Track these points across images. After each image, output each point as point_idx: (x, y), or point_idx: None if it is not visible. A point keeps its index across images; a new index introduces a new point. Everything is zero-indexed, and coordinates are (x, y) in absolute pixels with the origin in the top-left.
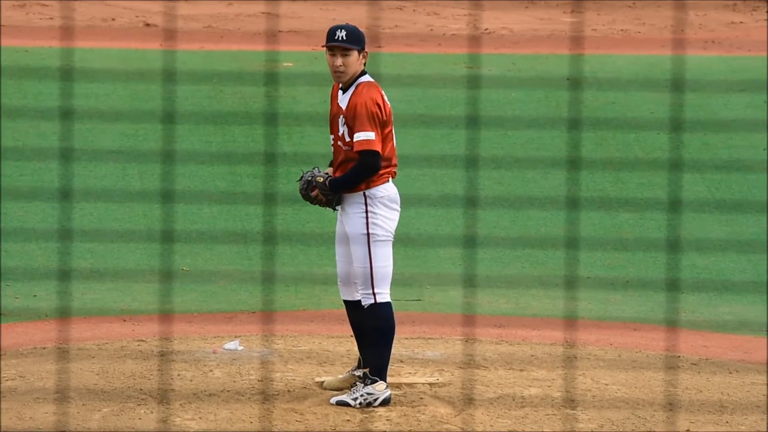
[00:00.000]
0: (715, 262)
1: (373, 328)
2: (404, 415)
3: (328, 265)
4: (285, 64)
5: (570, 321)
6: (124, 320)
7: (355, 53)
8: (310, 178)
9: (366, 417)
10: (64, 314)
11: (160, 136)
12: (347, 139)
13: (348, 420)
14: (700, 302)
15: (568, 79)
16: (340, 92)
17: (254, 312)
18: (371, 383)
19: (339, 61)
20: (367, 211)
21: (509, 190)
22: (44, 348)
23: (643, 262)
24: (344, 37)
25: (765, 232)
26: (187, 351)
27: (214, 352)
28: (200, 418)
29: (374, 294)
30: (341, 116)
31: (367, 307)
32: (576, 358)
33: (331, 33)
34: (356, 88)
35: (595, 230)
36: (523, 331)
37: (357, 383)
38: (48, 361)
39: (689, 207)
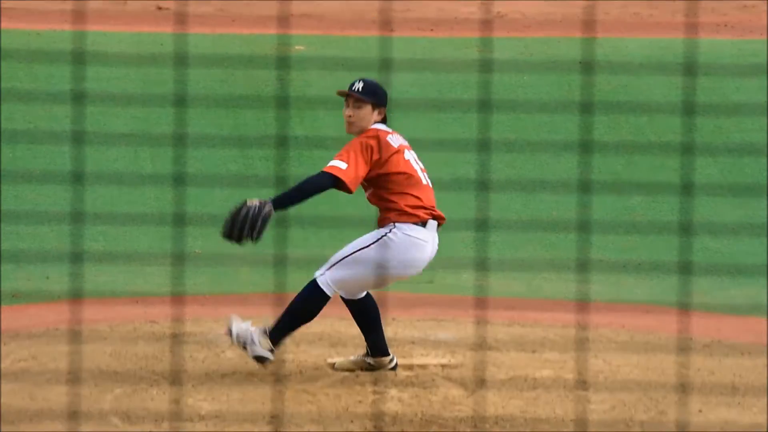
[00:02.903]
0: (728, 245)
1: (297, 300)
2: (416, 396)
3: (339, 247)
4: (297, 47)
5: (582, 303)
6: (137, 302)
7: (368, 107)
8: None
9: (378, 398)
10: (76, 296)
11: (172, 119)
12: (365, 184)
13: (360, 401)
14: (712, 285)
15: (580, 62)
16: None
17: (266, 294)
18: (261, 336)
19: (349, 111)
20: (387, 234)
21: (521, 174)
22: (57, 329)
23: (656, 245)
24: (360, 89)
25: None
26: (199, 332)
27: (227, 334)
28: (212, 399)
29: (326, 271)
30: None
31: (311, 281)
32: (588, 339)
33: (351, 83)
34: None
35: (608, 213)
36: (535, 313)
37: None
38: (60, 342)
39: (701, 190)
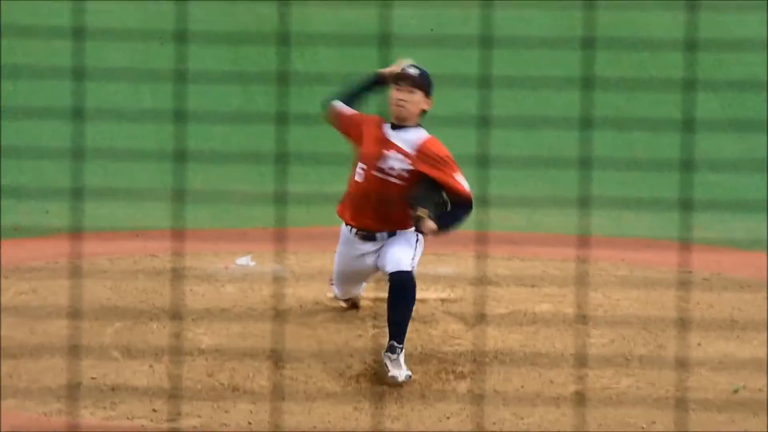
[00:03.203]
0: (729, 179)
1: (404, 300)
2: (416, 330)
3: (339, 183)
4: None
5: (582, 238)
6: (137, 236)
7: (420, 94)
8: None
9: (378, 332)
10: (76, 230)
11: (173, 54)
12: (405, 174)
13: (360, 335)
14: (712, 220)
15: None
16: (387, 127)
17: (266, 228)
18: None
19: (402, 95)
20: (416, 241)
21: (522, 109)
22: (57, 263)
23: (656, 180)
24: (418, 75)
25: None
26: (199, 266)
27: (226, 268)
28: (212, 333)
29: (412, 264)
30: (400, 154)
31: (400, 275)
32: (588, 274)
33: (403, 69)
34: (424, 137)
35: (609, 149)
36: (536, 247)
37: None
38: (61, 276)
39: (703, 125)
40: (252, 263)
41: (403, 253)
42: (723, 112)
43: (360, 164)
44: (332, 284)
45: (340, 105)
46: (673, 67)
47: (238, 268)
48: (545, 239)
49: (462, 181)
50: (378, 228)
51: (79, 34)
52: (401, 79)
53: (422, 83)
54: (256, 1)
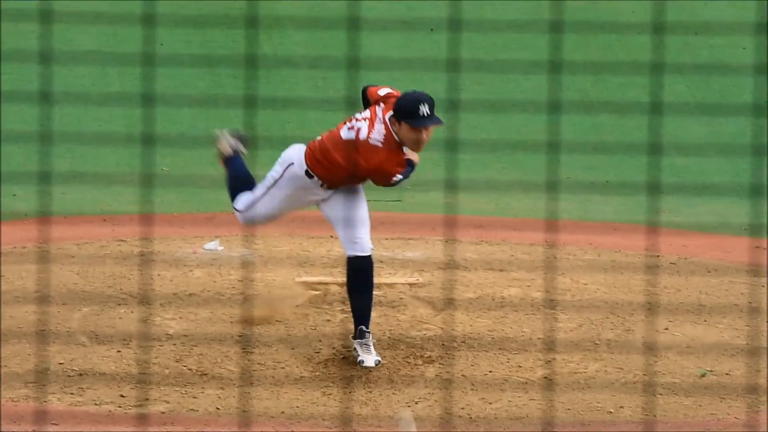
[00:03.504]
0: (696, 162)
1: (360, 281)
2: (384, 315)
3: None
4: None
5: (550, 222)
6: (104, 220)
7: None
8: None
9: (346, 317)
10: (44, 214)
11: (140, 37)
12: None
13: (328, 320)
14: (680, 203)
15: None
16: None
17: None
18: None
19: (427, 135)
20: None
21: (490, 92)
22: (24, 248)
23: (624, 164)
24: (436, 116)
25: (745, 133)
26: (167, 251)
27: (194, 253)
28: (180, 318)
29: (370, 245)
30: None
31: (366, 256)
32: (556, 258)
33: (429, 110)
34: None
35: (576, 132)
36: (504, 231)
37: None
38: (28, 260)
39: (670, 108)
40: (220, 248)
41: (358, 227)
42: (690, 95)
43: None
44: (240, 209)
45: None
46: (641, 50)
47: (206, 253)
48: (513, 223)
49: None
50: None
51: (46, 17)
52: (432, 124)
53: (440, 121)
54: None
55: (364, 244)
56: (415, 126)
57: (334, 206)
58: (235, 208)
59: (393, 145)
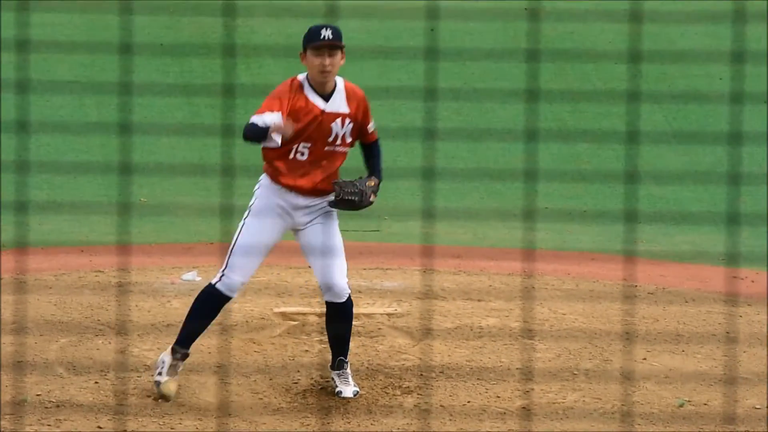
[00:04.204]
0: (673, 192)
1: (342, 323)
2: (362, 345)
3: None
4: None
5: (528, 251)
6: (82, 251)
7: (339, 52)
8: (361, 188)
9: (324, 347)
10: (21, 245)
11: (117, 66)
12: (348, 140)
13: (306, 350)
14: (657, 232)
15: (526, 9)
16: (317, 97)
17: (212, 243)
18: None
19: (327, 60)
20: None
21: (468, 121)
22: (1, 278)
23: (601, 193)
24: (330, 36)
25: (721, 162)
26: (145, 282)
27: (173, 283)
28: (158, 349)
29: (348, 287)
30: (343, 120)
31: (348, 299)
32: (533, 288)
33: (316, 32)
34: (346, 89)
35: (554, 161)
36: (481, 261)
37: None
38: (5, 291)
39: (647, 137)
40: (198, 278)
41: (335, 271)
42: (667, 124)
43: (302, 143)
44: (224, 273)
45: (262, 122)
46: (618, 79)
47: (184, 283)
48: (491, 253)
49: (374, 125)
50: (320, 189)
51: (23, 46)
52: (321, 44)
53: (341, 39)
54: (200, 13)
55: (340, 289)
56: (314, 47)
57: (311, 237)
58: (210, 287)
59: (285, 90)
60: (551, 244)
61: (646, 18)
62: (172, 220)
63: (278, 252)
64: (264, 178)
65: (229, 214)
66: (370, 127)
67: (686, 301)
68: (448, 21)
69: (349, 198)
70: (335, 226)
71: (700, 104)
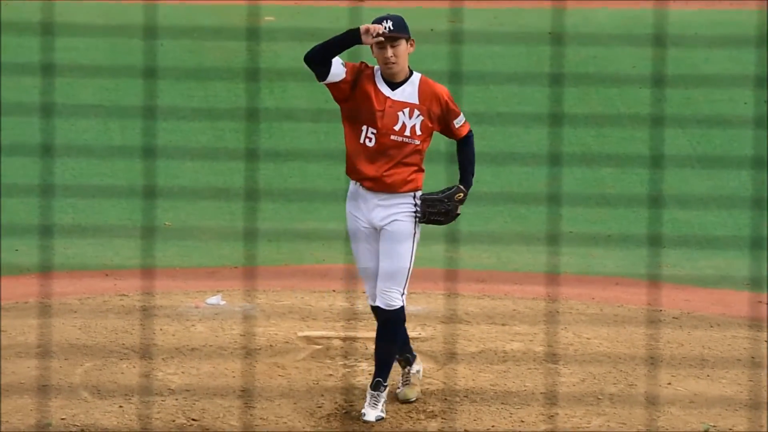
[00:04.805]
0: (697, 216)
1: (398, 328)
2: None
3: (309, 220)
4: (266, 18)
5: (552, 276)
6: (106, 275)
7: (403, 42)
8: (447, 208)
9: (348, 371)
10: (45, 269)
11: (142, 90)
12: (418, 133)
13: (330, 374)
14: (681, 257)
15: (549, 33)
16: (385, 85)
17: (236, 267)
18: (384, 390)
19: (390, 52)
20: (415, 212)
21: (491, 145)
22: (26, 302)
23: (625, 217)
24: (391, 27)
25: (746, 187)
26: (169, 306)
27: (197, 307)
28: (183, 373)
29: (403, 294)
30: (412, 110)
31: (399, 308)
32: (558, 312)
33: (393, 26)
34: (421, 82)
35: (578, 185)
36: (506, 285)
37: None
38: (30, 315)
39: (671, 162)
40: (222, 302)
41: (389, 274)
42: (691, 148)
43: (369, 128)
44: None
45: (328, 57)
46: (641, 104)
47: (208, 307)
48: (515, 277)
49: (462, 119)
50: (387, 182)
51: (47, 70)
52: (383, 37)
53: (403, 30)
54: (224, 37)
55: (397, 291)
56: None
57: (383, 241)
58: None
59: (356, 65)
60: (575, 269)
61: (670, 42)
62: (196, 244)
63: (302, 276)
64: (349, 185)
65: (253, 238)
66: (457, 122)
67: (711, 326)
68: (471, 45)
69: (436, 219)
70: (408, 233)
71: (724, 129)
